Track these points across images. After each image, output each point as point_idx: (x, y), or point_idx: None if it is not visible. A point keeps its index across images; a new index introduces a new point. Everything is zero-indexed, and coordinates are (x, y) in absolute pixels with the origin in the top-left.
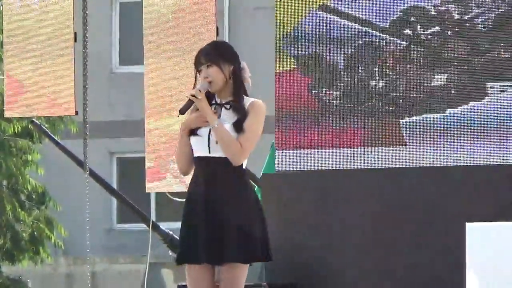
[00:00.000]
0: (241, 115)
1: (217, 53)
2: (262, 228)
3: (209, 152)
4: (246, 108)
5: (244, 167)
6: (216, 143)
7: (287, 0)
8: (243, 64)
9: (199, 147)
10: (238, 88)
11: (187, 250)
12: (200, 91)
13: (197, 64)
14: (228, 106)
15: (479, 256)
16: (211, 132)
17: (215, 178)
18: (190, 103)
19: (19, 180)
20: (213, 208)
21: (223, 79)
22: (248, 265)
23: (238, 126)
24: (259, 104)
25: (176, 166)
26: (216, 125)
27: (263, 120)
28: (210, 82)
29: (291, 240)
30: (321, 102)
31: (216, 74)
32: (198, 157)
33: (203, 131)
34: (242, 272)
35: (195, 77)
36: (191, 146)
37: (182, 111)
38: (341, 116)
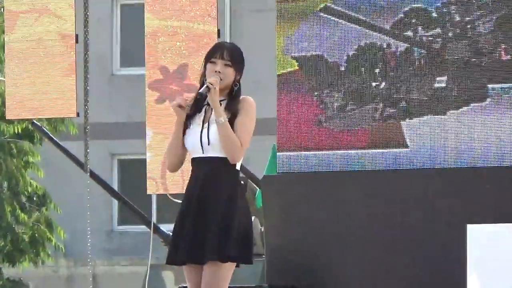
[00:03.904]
0: (233, 114)
1: (239, 58)
2: (244, 230)
3: (202, 153)
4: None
5: (237, 168)
6: (208, 144)
7: (289, 1)
8: None
9: (193, 149)
10: (237, 95)
11: (173, 251)
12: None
13: (212, 56)
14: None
15: (480, 258)
16: (203, 133)
17: (211, 177)
18: (207, 89)
19: (19, 181)
20: (204, 208)
21: (230, 82)
22: (232, 267)
23: (230, 124)
24: (250, 101)
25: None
26: (222, 120)
27: (255, 116)
28: (220, 79)
29: (293, 242)
30: (323, 104)
31: (229, 76)
32: (194, 158)
33: (195, 132)
34: (223, 273)
35: (204, 66)
36: (182, 143)
37: (201, 94)
38: (343, 118)
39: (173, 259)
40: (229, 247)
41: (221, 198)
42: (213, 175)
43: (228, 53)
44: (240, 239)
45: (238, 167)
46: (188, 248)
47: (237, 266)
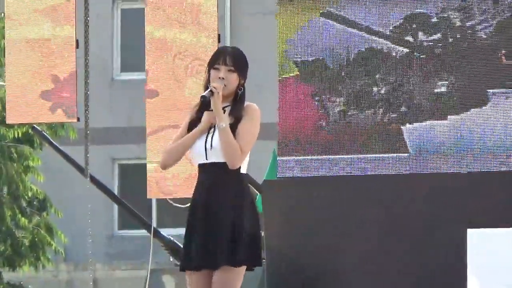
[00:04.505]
0: (237, 120)
1: (242, 63)
2: (253, 233)
3: (206, 159)
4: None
5: (242, 171)
6: (211, 149)
7: (290, 6)
8: None
9: (197, 154)
10: (242, 100)
11: (186, 258)
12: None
13: (215, 62)
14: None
15: (480, 262)
16: (207, 140)
17: (214, 183)
18: (211, 92)
19: (19, 186)
20: (211, 214)
21: (234, 88)
22: (243, 270)
23: (233, 130)
24: (254, 108)
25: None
26: (223, 125)
27: (259, 123)
28: (224, 85)
29: (293, 246)
30: (323, 109)
31: (233, 81)
32: (199, 164)
33: (201, 138)
34: (234, 276)
35: (208, 73)
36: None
37: (204, 97)
38: (343, 122)
39: (187, 266)
40: (240, 252)
41: (227, 203)
42: (217, 181)
43: (231, 59)
44: (250, 242)
45: (243, 170)
46: (200, 254)
47: (250, 269)
